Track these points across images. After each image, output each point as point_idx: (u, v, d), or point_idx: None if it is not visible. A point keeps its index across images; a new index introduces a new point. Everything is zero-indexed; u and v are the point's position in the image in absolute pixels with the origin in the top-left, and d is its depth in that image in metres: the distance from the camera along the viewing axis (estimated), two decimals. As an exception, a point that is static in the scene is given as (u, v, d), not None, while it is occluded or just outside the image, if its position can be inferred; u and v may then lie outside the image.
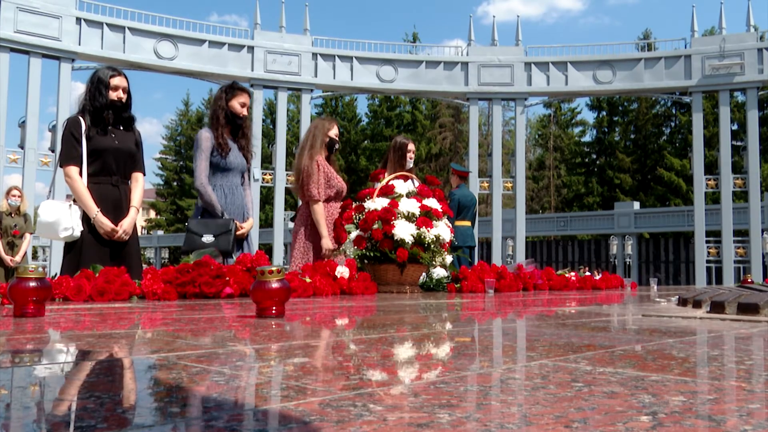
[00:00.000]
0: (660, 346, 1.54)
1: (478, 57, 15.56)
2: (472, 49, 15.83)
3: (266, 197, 19.56)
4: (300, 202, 5.39)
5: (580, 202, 36.58)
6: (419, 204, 4.69)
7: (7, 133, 12.72)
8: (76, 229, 3.75)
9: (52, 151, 13.15)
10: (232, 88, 4.72)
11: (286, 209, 14.98)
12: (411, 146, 5.80)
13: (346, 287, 4.09)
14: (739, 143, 15.78)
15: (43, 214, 3.73)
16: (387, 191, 4.79)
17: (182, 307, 2.71)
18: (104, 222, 3.80)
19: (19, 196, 8.37)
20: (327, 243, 5.03)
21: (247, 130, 4.74)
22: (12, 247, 8.11)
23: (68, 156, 3.85)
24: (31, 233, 8.47)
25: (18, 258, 8.15)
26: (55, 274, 3.41)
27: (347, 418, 0.74)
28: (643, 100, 35.24)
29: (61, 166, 3.91)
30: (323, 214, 5.07)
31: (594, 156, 39.21)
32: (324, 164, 5.13)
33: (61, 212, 3.72)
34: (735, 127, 22.77)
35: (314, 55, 15.11)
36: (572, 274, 6.20)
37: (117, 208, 3.95)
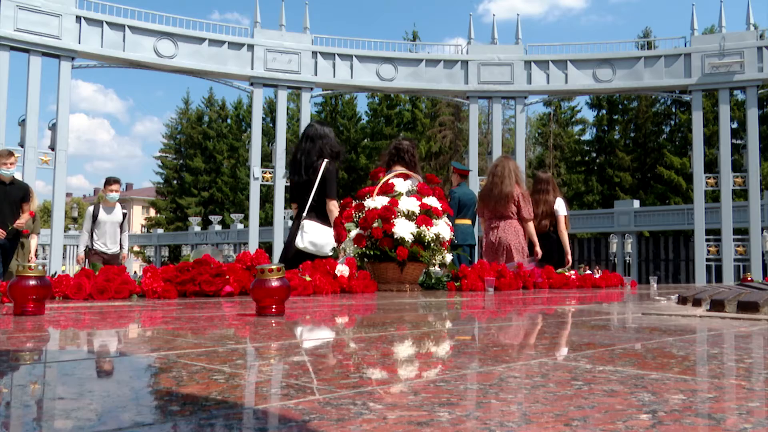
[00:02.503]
0: (660, 344, 1.54)
1: (478, 55, 15.55)
2: (472, 48, 15.82)
3: (266, 195, 19.54)
4: (501, 218, 6.28)
5: (579, 201, 36.58)
6: (419, 202, 4.69)
7: (7, 132, 12.72)
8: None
9: (52, 149, 13.15)
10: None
11: (285, 207, 14.98)
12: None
13: (345, 286, 4.09)
14: (738, 141, 15.78)
15: (315, 236, 4.78)
16: (387, 189, 4.79)
17: (182, 306, 2.71)
18: None
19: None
20: (539, 250, 6.37)
21: None
22: (21, 247, 7.66)
23: (335, 193, 4.98)
24: (37, 234, 8.09)
25: (32, 254, 7.83)
26: (55, 273, 3.42)
27: (347, 417, 0.74)
28: (643, 98, 35.21)
29: (330, 199, 4.94)
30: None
31: (594, 154, 39.20)
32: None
33: (329, 235, 4.81)
34: (735, 126, 22.76)
35: (314, 53, 15.10)
36: (572, 272, 6.20)
37: None
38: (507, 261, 5.92)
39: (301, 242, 4.77)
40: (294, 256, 4.71)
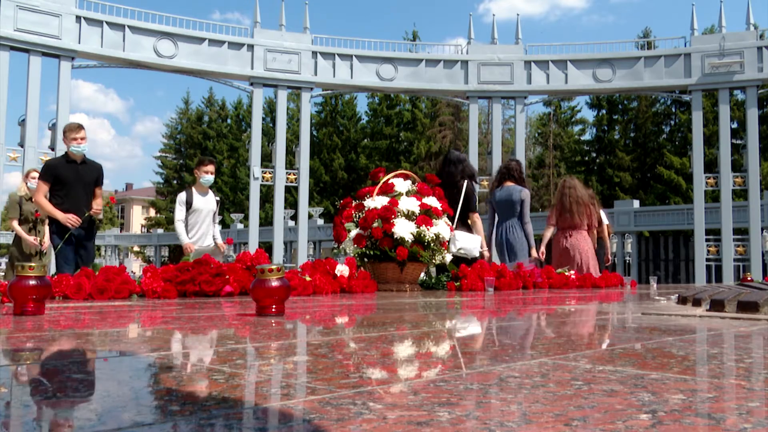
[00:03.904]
0: (660, 344, 1.54)
1: (477, 55, 15.54)
2: (471, 48, 15.81)
3: (266, 195, 19.54)
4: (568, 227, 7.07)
5: (579, 201, 36.47)
6: (419, 202, 4.69)
7: (6, 132, 12.71)
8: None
9: (52, 149, 13.14)
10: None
11: (285, 207, 14.96)
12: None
13: (345, 285, 4.09)
14: (738, 141, 15.77)
15: (465, 242, 5.48)
16: (387, 190, 4.79)
17: (182, 306, 2.71)
18: None
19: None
20: (610, 257, 7.57)
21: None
22: (37, 233, 7.12)
23: (476, 207, 6.03)
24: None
25: (46, 242, 7.07)
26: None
27: (347, 417, 0.74)
28: (642, 98, 35.20)
29: (472, 212, 5.92)
30: None
31: (594, 154, 39.18)
32: None
33: (476, 240, 5.63)
34: (735, 126, 22.74)
35: (314, 53, 15.09)
36: (572, 272, 6.20)
37: None
38: (581, 263, 6.89)
39: (454, 248, 5.40)
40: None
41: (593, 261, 7.04)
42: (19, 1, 12.55)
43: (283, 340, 1.59)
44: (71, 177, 5.50)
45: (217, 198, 6.53)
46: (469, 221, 5.92)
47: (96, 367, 1.16)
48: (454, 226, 5.46)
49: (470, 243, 5.56)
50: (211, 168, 6.35)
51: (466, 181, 5.93)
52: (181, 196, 6.26)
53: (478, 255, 5.58)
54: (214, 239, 6.34)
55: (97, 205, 5.61)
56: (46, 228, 7.18)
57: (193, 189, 6.32)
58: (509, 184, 6.60)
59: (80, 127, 5.66)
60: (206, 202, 6.29)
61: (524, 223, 6.57)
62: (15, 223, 6.94)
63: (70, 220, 5.31)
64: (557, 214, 7.14)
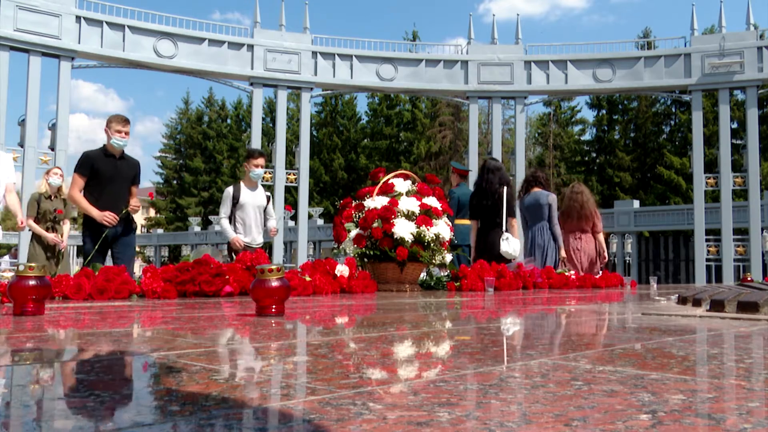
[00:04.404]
0: (660, 344, 1.54)
1: (477, 55, 15.55)
2: (471, 48, 15.82)
3: (266, 196, 19.52)
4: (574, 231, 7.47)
5: (579, 201, 36.49)
6: (419, 202, 4.69)
7: (7, 132, 12.72)
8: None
9: (52, 149, 13.15)
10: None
11: (285, 208, 14.95)
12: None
13: (345, 286, 4.09)
14: (738, 141, 15.78)
15: (515, 244, 6.15)
16: (387, 190, 4.79)
17: (182, 306, 2.71)
18: None
19: (61, 175, 7.00)
20: (606, 256, 7.71)
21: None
22: (56, 233, 6.90)
23: (515, 212, 6.47)
24: (70, 219, 7.19)
25: (65, 242, 6.96)
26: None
27: (347, 417, 0.74)
28: (642, 98, 35.20)
29: (512, 218, 6.40)
30: None
31: (594, 154, 39.19)
32: None
33: (519, 243, 6.34)
34: (735, 126, 22.75)
35: (314, 53, 15.10)
36: (572, 272, 6.20)
37: None
38: (586, 264, 7.34)
39: (509, 248, 6.10)
40: (493, 258, 5.79)
41: (597, 264, 7.50)
42: (19, 1, 12.55)
43: (283, 341, 1.59)
44: (109, 172, 5.10)
45: (267, 193, 6.14)
46: (508, 225, 6.36)
47: (96, 368, 1.16)
48: (504, 228, 6.19)
49: (517, 246, 6.23)
50: (261, 161, 5.97)
51: (505, 188, 6.35)
52: (228, 191, 5.92)
53: (518, 255, 6.21)
54: (266, 226, 6.00)
55: (136, 201, 5.23)
56: (66, 227, 7.04)
57: (242, 184, 5.94)
58: (536, 189, 6.97)
59: (127, 120, 5.29)
60: (255, 197, 5.92)
61: (552, 225, 6.90)
62: (31, 222, 6.71)
63: (106, 218, 4.91)
64: (565, 218, 7.43)
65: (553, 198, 6.93)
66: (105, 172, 5.06)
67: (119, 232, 5.09)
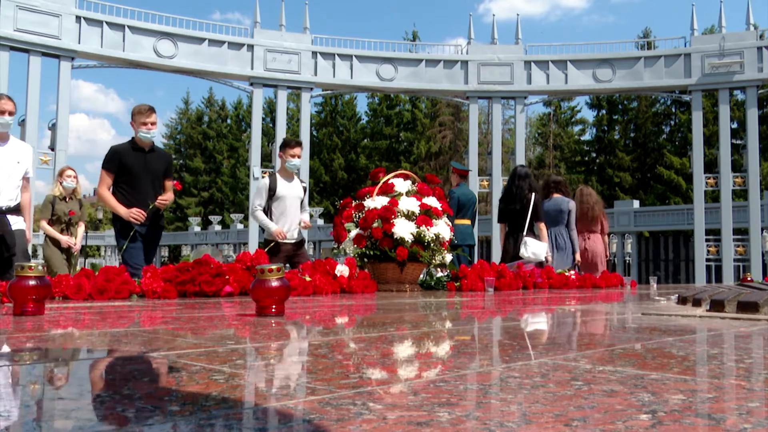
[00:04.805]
0: (660, 344, 1.54)
1: (477, 55, 15.54)
2: (471, 48, 15.81)
3: (266, 196, 19.52)
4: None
5: (579, 201, 36.50)
6: (419, 202, 4.69)
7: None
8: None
9: (52, 149, 13.14)
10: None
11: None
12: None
13: (345, 286, 4.09)
14: (738, 141, 15.77)
15: (535, 248, 6.36)
16: (387, 190, 4.79)
17: (182, 306, 2.71)
18: None
19: (74, 177, 6.91)
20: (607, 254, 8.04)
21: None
22: (70, 235, 6.81)
23: (543, 217, 6.76)
24: (85, 222, 7.12)
25: (78, 244, 6.86)
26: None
27: (347, 417, 0.74)
28: (642, 98, 35.22)
29: (539, 222, 6.70)
30: None
31: (594, 154, 39.20)
32: None
33: (544, 246, 6.49)
34: (734, 126, 22.74)
35: (314, 53, 15.09)
36: (572, 272, 6.20)
37: None
38: (598, 264, 7.66)
39: (526, 252, 6.32)
40: (519, 259, 6.25)
41: (603, 263, 7.92)
42: (19, 1, 12.55)
43: (283, 341, 1.60)
44: (138, 166, 4.82)
45: (304, 184, 5.80)
46: (536, 230, 6.73)
47: (95, 368, 1.16)
48: (525, 233, 6.50)
49: (539, 249, 6.44)
50: (298, 151, 5.61)
51: (533, 194, 6.72)
52: (264, 182, 5.58)
53: (543, 259, 6.45)
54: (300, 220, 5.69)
55: (166, 195, 4.93)
56: (80, 229, 6.97)
57: (278, 175, 5.60)
58: (556, 195, 7.32)
59: (152, 109, 4.97)
60: (292, 189, 5.58)
61: (571, 230, 7.31)
62: (44, 223, 6.66)
63: (133, 215, 4.67)
64: (575, 219, 7.80)
65: (573, 205, 7.32)
66: (133, 167, 4.80)
67: (149, 233, 4.86)
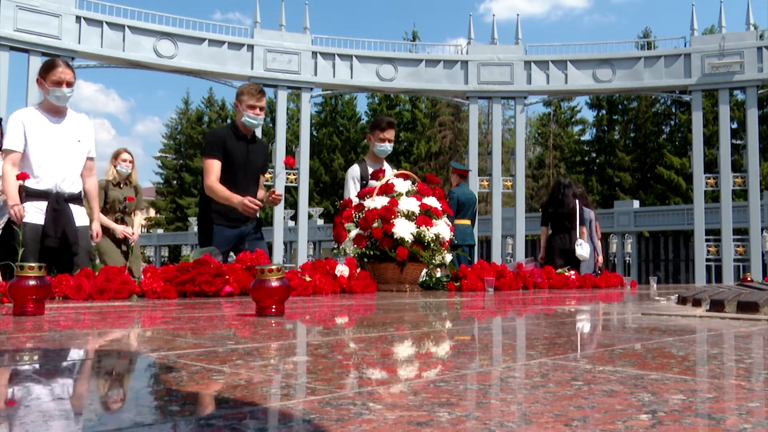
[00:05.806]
0: (660, 344, 1.54)
1: (477, 55, 15.54)
2: (471, 48, 15.81)
3: (266, 196, 19.50)
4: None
5: (579, 201, 36.51)
6: (419, 202, 4.69)
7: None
8: None
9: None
10: None
11: (285, 207, 14.95)
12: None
13: (345, 286, 4.09)
14: (738, 142, 15.76)
15: (586, 249, 7.60)
16: (387, 190, 4.79)
17: (182, 306, 2.71)
18: None
19: (130, 162, 6.37)
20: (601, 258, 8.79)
21: None
22: (125, 224, 6.26)
23: (584, 222, 7.98)
24: (141, 210, 6.57)
25: (136, 234, 6.31)
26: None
27: (347, 417, 0.74)
28: (642, 98, 35.22)
29: (582, 227, 7.73)
30: None
31: (594, 154, 39.21)
32: None
33: (589, 248, 7.74)
34: (735, 126, 22.75)
35: (314, 53, 15.09)
36: (572, 272, 6.20)
37: None
38: (599, 263, 8.43)
39: (583, 252, 7.49)
40: (562, 258, 7.46)
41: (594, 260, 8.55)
42: (19, 1, 12.55)
43: (283, 341, 1.60)
44: (240, 157, 4.22)
45: (394, 170, 5.12)
46: (579, 232, 7.61)
47: (95, 367, 1.16)
48: (577, 236, 7.51)
49: (587, 250, 7.57)
50: (389, 134, 5.00)
51: (577, 200, 7.69)
52: (354, 169, 5.11)
53: (587, 257, 7.53)
54: None
55: (278, 192, 4.35)
56: (137, 218, 6.34)
57: (366, 160, 5.14)
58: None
59: (262, 92, 4.34)
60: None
61: (593, 237, 8.12)
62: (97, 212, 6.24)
63: (247, 204, 4.01)
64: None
65: (594, 214, 8.25)
66: (236, 157, 4.20)
67: (251, 231, 4.32)
